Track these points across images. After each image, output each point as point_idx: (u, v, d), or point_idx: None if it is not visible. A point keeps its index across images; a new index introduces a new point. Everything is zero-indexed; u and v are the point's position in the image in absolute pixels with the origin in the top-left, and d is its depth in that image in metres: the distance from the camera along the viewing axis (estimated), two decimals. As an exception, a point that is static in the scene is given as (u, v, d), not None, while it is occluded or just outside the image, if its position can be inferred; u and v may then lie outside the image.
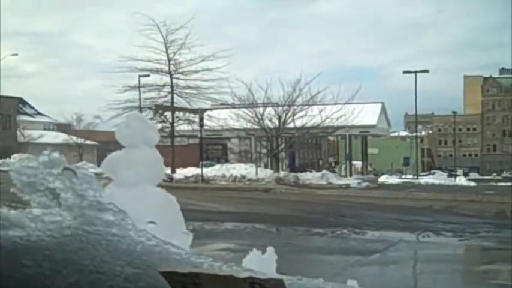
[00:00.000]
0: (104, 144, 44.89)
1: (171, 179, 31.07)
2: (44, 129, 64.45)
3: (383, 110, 60.82)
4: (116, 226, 0.91)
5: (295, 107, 34.26)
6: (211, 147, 55.93)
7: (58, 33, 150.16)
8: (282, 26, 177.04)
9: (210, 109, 38.89)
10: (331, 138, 74.51)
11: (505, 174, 78.10)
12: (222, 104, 37.57)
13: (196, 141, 59.89)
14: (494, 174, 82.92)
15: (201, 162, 33.28)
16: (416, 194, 26.18)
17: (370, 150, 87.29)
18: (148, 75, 35.90)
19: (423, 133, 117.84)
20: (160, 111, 35.82)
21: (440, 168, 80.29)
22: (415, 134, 68.25)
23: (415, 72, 51.98)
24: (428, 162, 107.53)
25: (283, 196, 23.61)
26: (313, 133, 37.65)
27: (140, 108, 34.84)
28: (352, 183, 30.47)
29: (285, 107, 34.19)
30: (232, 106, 36.79)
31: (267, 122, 34.36)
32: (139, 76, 35.59)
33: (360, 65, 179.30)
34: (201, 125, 32.54)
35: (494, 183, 47.08)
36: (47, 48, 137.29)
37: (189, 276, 0.87)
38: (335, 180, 31.43)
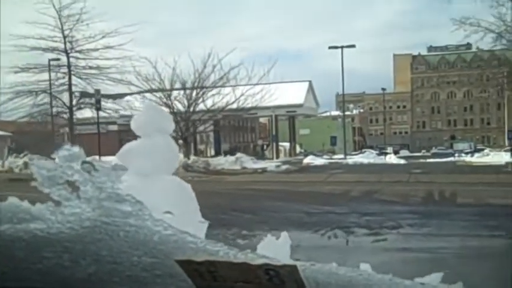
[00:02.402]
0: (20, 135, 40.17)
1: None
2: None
3: (310, 88, 58.40)
4: (133, 217, 0.91)
5: (207, 86, 30.86)
6: (132, 134, 52.46)
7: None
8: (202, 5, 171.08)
9: (128, 94, 34.82)
10: (262, 120, 72.15)
11: (434, 150, 78.13)
12: (142, 90, 33.27)
13: (116, 128, 55.65)
14: (424, 151, 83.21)
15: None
16: (338, 176, 23.61)
17: (301, 131, 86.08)
18: (58, 59, 31.73)
19: (354, 112, 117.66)
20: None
21: (371, 147, 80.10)
22: (344, 113, 66.32)
23: (341, 47, 50.03)
24: (360, 141, 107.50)
25: (185, 186, 20.34)
26: (229, 114, 34.22)
27: (40, 92, 30.70)
28: (269, 167, 27.60)
29: (195, 85, 30.74)
30: (143, 91, 32.79)
31: (176, 103, 30.83)
32: (50, 60, 31.40)
33: (289, 47, 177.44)
34: (98, 107, 28.78)
35: (423, 160, 46.65)
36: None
37: (204, 265, 0.87)
38: (251, 164, 28.35)
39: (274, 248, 2.15)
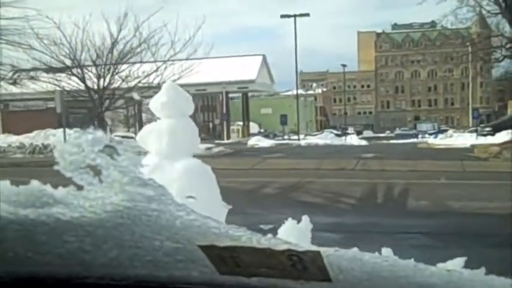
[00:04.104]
0: None
1: None
2: None
3: (264, 64, 54.00)
4: (155, 201, 0.91)
5: (128, 53, 25.96)
6: (77, 111, 47.68)
7: None
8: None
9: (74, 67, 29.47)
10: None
11: (397, 131, 75.30)
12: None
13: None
14: (388, 131, 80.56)
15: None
16: (271, 162, 19.33)
17: (262, 110, 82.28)
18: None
19: (318, 91, 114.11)
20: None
21: (334, 127, 77.19)
22: (298, 90, 61.80)
23: (294, 16, 46.21)
24: (323, 121, 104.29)
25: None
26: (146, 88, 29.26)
27: None
28: (197, 150, 23.18)
29: (108, 53, 25.84)
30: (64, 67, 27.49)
31: (90, 75, 25.87)
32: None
33: (251, 24, 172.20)
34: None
35: (386, 141, 43.90)
36: None
37: (226, 250, 0.87)
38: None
39: (295, 233, 2.10)
